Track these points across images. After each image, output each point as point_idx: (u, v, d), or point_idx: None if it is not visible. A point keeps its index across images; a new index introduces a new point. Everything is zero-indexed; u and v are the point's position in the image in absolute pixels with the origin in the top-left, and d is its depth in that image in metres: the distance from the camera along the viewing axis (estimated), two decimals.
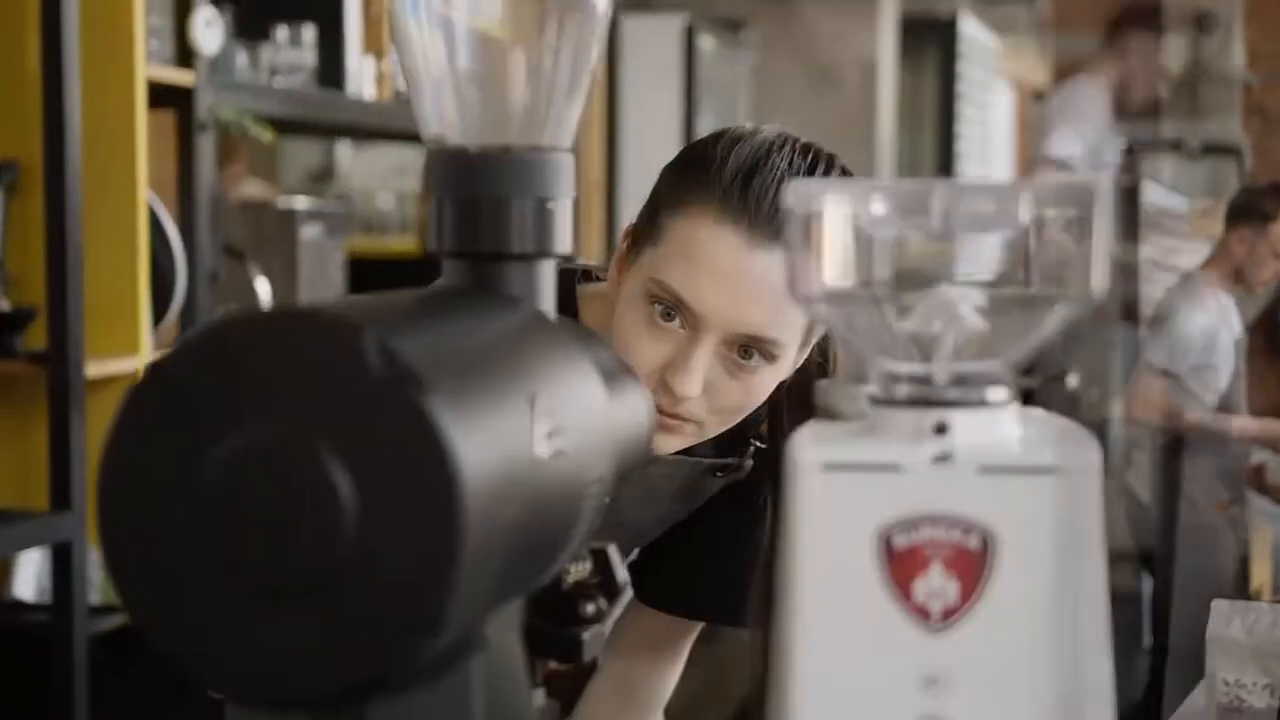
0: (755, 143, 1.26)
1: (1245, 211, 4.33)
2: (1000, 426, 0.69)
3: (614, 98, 4.56)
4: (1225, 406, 4.21)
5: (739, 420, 1.31)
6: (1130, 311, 4.76)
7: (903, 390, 0.70)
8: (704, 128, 5.73)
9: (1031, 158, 9.71)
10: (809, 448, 0.68)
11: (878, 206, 0.70)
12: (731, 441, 1.43)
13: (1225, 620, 1.97)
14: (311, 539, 0.60)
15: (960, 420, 0.68)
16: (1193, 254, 4.50)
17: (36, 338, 2.37)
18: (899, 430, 0.69)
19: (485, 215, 0.79)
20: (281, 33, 2.96)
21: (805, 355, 1.33)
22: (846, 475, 0.68)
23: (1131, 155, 4.48)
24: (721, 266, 1.22)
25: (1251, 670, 1.88)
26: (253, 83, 2.87)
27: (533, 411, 0.68)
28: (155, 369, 0.62)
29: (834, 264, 0.71)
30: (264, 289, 2.88)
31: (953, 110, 7.53)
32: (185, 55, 2.62)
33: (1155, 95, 4.51)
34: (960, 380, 0.70)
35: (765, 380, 1.27)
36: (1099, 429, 4.57)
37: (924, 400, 0.69)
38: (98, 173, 2.43)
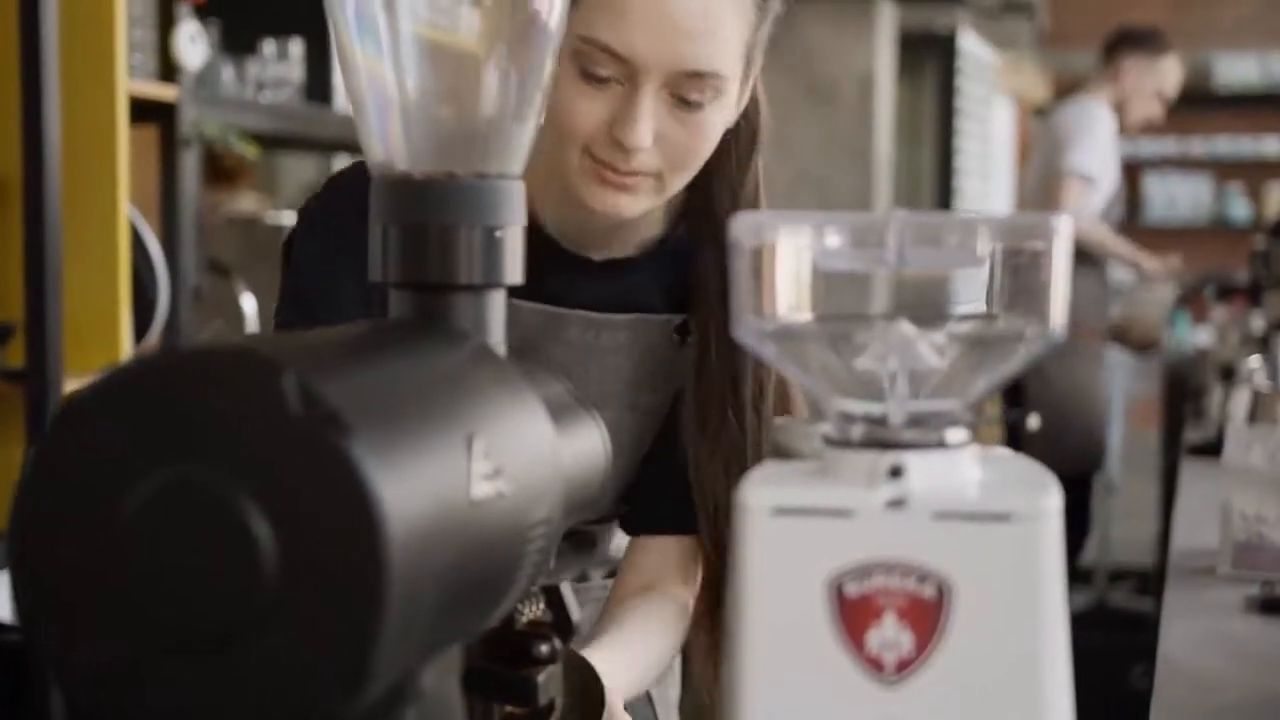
0: None
1: (1138, 41, 4.35)
2: (958, 469, 0.67)
3: None
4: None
5: (695, 170, 1.27)
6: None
7: (857, 431, 0.67)
8: None
9: (1035, 172, 9.69)
10: (758, 491, 0.66)
11: (831, 239, 0.67)
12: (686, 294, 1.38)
13: (1243, 446, 1.81)
14: (229, 588, 0.57)
15: (916, 463, 0.65)
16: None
17: (15, 355, 2.34)
18: (853, 472, 0.66)
19: (431, 244, 0.77)
20: (268, 47, 2.94)
21: (747, 94, 1.31)
22: (796, 520, 0.65)
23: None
24: (646, 5, 1.20)
25: (1274, 502, 1.76)
26: (238, 97, 2.85)
27: (470, 452, 0.65)
28: (70, 407, 0.59)
29: (786, 298, 0.68)
30: (250, 305, 2.85)
31: (952, 125, 7.51)
32: (169, 70, 2.60)
33: (1152, 118, 4.50)
34: (917, 420, 0.67)
35: (713, 120, 1.24)
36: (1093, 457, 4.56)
37: (879, 442, 0.67)
38: (79, 188, 2.40)
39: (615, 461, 1.37)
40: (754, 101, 1.35)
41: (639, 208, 1.27)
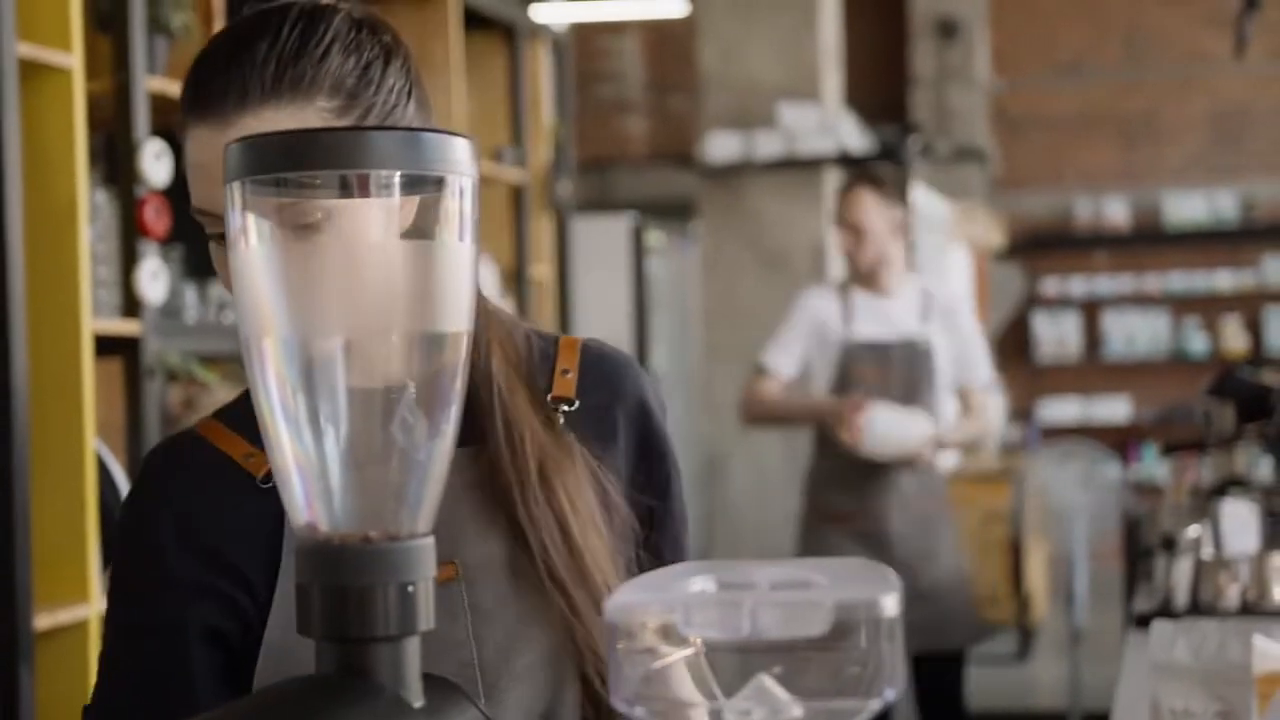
0: (208, 42, 1.25)
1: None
2: None
3: (566, 298, 4.67)
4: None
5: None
6: None
7: None
8: (655, 322, 5.86)
9: (989, 320, 9.86)
10: None
11: (694, 615, 0.76)
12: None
13: (1168, 642, 1.85)
14: None
15: None
16: None
17: None
18: None
19: (351, 603, 0.86)
20: None
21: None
22: None
23: None
24: (198, 159, 1.19)
25: (1200, 696, 1.79)
26: (201, 322, 2.95)
27: None
28: None
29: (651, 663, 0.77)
30: None
31: None
32: (132, 305, 2.71)
33: (869, 263, 4.17)
34: None
35: (342, 238, 1.14)
36: None
37: None
38: (45, 426, 2.49)
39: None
40: None
41: None
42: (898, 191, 4.19)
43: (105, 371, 2.67)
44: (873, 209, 4.07)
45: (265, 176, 0.86)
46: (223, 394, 3.90)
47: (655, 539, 1.34)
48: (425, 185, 0.88)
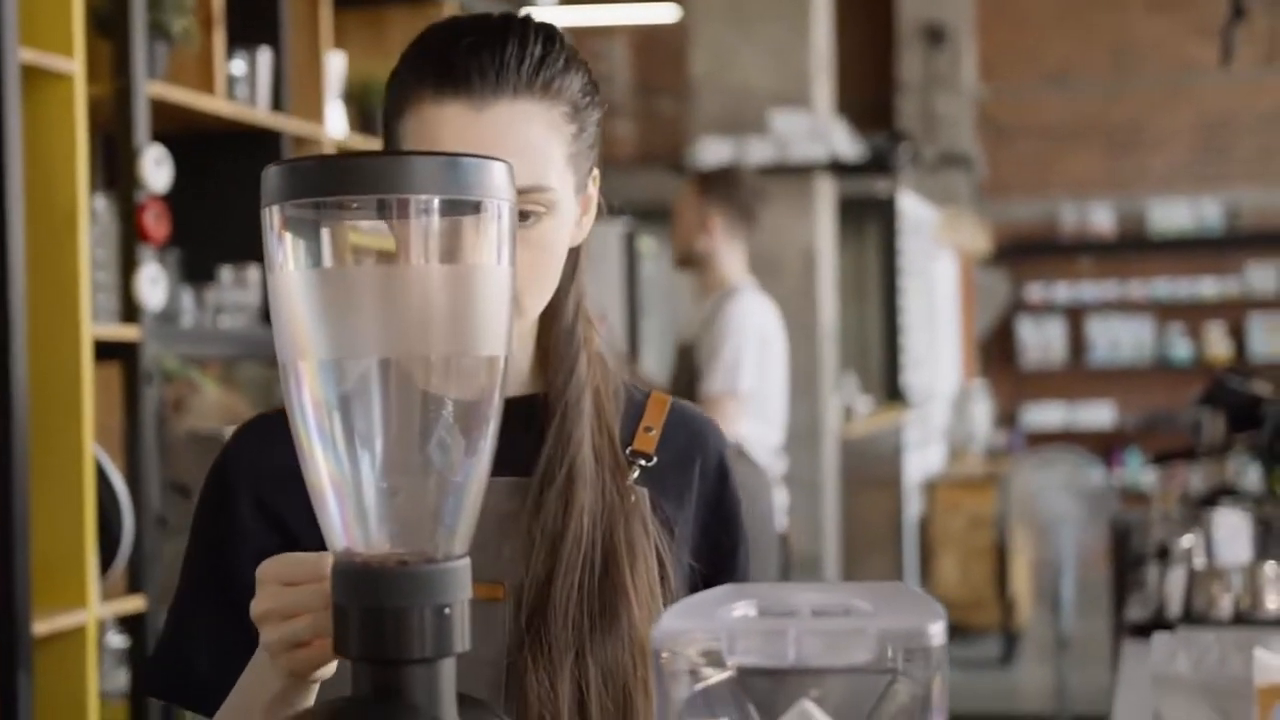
0: (441, 24, 1.27)
1: None
2: None
3: None
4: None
5: (548, 289, 1.25)
6: None
7: None
8: (646, 326, 5.85)
9: (973, 325, 9.88)
10: None
11: (739, 643, 0.76)
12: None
13: (1169, 654, 1.85)
14: None
15: None
16: None
17: None
18: None
19: (387, 624, 0.86)
20: (226, 274, 3.05)
21: (591, 213, 1.31)
22: None
23: None
24: (453, 138, 1.20)
25: (1204, 709, 1.79)
26: (198, 327, 2.95)
27: None
28: None
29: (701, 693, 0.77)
30: None
31: (895, 283, 7.69)
32: (131, 310, 2.70)
33: (679, 249, 4.30)
34: None
35: (552, 235, 1.23)
36: None
37: None
38: (45, 431, 2.49)
39: None
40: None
41: None
42: (728, 199, 4.22)
43: (103, 376, 2.66)
44: (687, 200, 4.27)
45: (305, 200, 0.87)
46: (213, 395, 3.89)
47: None
48: (463, 209, 0.89)
